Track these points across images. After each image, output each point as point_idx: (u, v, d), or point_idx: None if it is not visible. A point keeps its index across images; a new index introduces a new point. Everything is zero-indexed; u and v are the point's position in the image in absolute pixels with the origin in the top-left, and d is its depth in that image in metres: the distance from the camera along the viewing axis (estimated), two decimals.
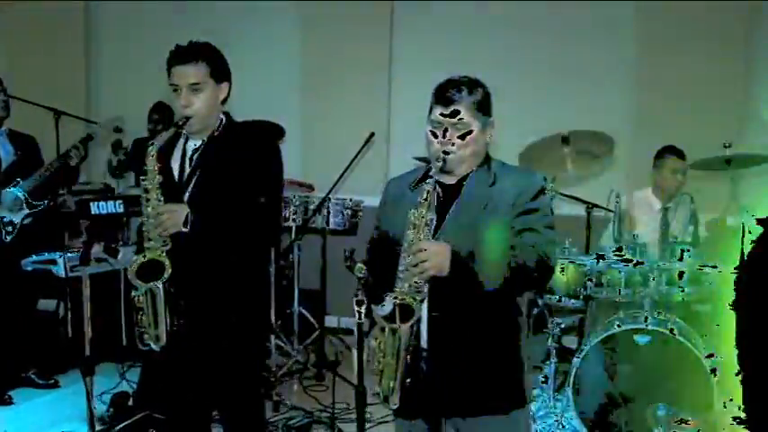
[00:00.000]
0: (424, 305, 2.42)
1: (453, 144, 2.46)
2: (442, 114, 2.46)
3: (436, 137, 2.48)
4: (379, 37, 6.61)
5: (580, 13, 6.13)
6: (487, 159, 2.57)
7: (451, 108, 2.45)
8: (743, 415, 1.62)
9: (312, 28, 6.77)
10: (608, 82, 6.12)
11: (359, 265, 2.36)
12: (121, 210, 4.57)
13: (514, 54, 6.25)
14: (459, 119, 2.45)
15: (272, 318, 5.33)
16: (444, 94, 2.46)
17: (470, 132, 2.47)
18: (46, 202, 4.81)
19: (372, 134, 5.13)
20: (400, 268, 2.40)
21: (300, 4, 6.76)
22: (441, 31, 6.45)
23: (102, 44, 7.39)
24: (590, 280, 4.42)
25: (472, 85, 2.50)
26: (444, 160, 2.44)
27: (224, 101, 3.10)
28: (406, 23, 6.62)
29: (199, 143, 3.06)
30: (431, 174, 2.46)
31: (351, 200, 5.28)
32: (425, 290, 2.41)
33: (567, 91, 6.11)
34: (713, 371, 3.87)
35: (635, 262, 4.20)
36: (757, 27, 5.75)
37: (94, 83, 7.39)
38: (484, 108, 2.50)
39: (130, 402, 4.49)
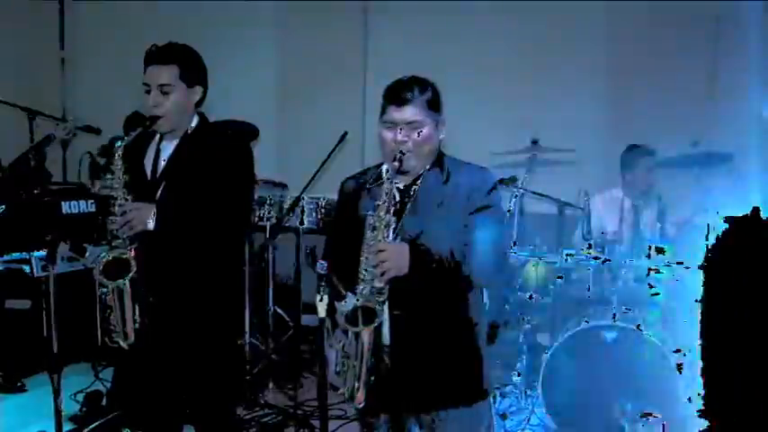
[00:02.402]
0: (385, 306, 2.46)
1: (408, 142, 2.50)
2: (396, 114, 2.51)
3: (391, 137, 2.52)
4: (353, 37, 6.68)
5: (551, 15, 6.18)
6: (440, 157, 2.62)
7: (405, 107, 2.49)
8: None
9: (287, 29, 6.81)
10: (578, 82, 6.17)
11: (320, 262, 2.39)
12: (93, 209, 4.57)
13: (486, 55, 6.30)
14: (414, 117, 2.50)
15: (248, 317, 5.35)
16: (397, 94, 2.51)
17: (423, 130, 2.52)
18: (3, 207, 4.75)
19: (345, 133, 5.14)
20: (361, 269, 2.43)
21: (276, 4, 6.79)
22: (414, 32, 6.50)
23: (77, 44, 7.37)
24: (560, 277, 4.50)
25: (422, 84, 2.54)
26: (401, 160, 2.48)
27: (199, 103, 3.13)
28: (380, 24, 6.66)
29: (172, 143, 3.10)
30: (388, 177, 2.50)
31: (324, 198, 5.31)
32: (386, 291, 2.44)
33: (537, 92, 6.16)
34: (679, 366, 3.93)
35: (603, 259, 4.26)
36: (726, 24, 5.82)
37: (70, 84, 7.37)
38: (435, 106, 2.55)
39: (104, 402, 4.50)
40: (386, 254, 2.39)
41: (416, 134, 2.51)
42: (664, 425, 3.88)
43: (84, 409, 4.45)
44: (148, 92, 3.02)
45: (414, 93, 2.50)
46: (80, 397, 4.55)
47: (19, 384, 5.01)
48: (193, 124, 3.12)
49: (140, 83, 3.06)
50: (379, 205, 2.44)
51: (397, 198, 2.55)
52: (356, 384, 2.48)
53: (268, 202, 5.22)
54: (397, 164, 2.47)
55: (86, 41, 7.35)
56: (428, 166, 2.58)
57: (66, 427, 4.00)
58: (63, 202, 4.58)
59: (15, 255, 4.17)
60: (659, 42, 5.91)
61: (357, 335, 2.42)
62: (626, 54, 6.04)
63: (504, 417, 4.32)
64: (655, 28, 5.94)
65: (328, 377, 2.54)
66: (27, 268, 4.04)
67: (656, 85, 5.89)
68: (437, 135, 2.57)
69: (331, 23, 6.64)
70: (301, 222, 5.20)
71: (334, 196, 5.17)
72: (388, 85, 2.58)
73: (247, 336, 5.29)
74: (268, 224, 5.25)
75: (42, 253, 4.23)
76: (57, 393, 2.74)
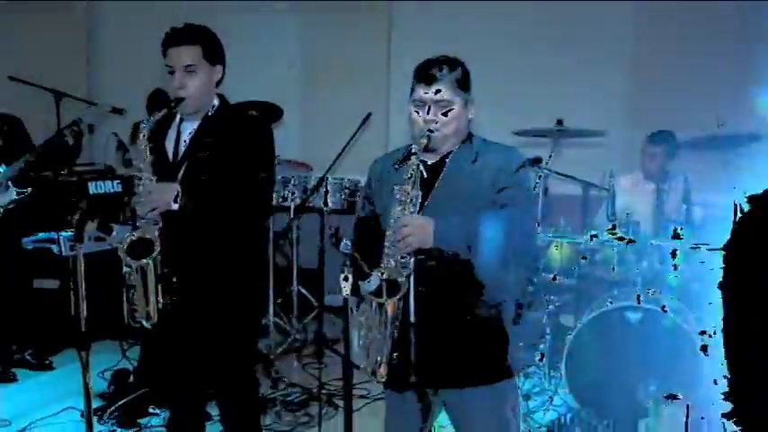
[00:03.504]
0: (411, 280, 2.47)
1: (437, 121, 2.50)
2: (424, 92, 2.50)
3: (420, 115, 2.52)
4: (378, 16, 6.67)
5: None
6: (470, 137, 2.62)
7: (434, 86, 2.49)
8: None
9: (313, 10, 6.80)
10: (604, 62, 6.13)
11: (344, 241, 2.41)
12: (120, 189, 4.63)
13: (512, 35, 6.27)
14: (442, 96, 2.49)
15: (272, 296, 5.39)
16: (426, 73, 2.50)
17: (453, 109, 2.51)
18: (30, 189, 4.83)
19: (370, 114, 5.15)
20: (386, 244, 2.44)
21: None
22: (439, 10, 6.47)
23: (103, 29, 7.41)
24: (584, 258, 4.49)
25: (452, 63, 2.54)
26: (429, 138, 2.48)
27: (218, 83, 3.14)
28: (405, 3, 6.64)
29: (193, 124, 3.11)
30: (415, 152, 2.50)
31: (348, 179, 5.32)
32: (411, 265, 2.45)
33: (562, 73, 6.12)
34: (704, 348, 3.91)
35: (627, 240, 4.24)
36: (756, 11, 5.74)
37: (96, 67, 7.42)
38: (464, 85, 2.55)
39: (131, 379, 4.57)
40: (409, 228, 2.40)
41: (445, 113, 2.51)
42: (688, 407, 3.86)
43: (112, 386, 4.53)
44: (172, 74, 3.03)
45: (443, 72, 2.49)
46: (108, 375, 4.64)
47: (47, 362, 5.11)
48: (214, 105, 3.13)
49: (162, 64, 3.06)
50: (405, 180, 2.44)
51: (425, 175, 2.55)
52: (378, 358, 2.48)
53: (292, 182, 5.25)
54: (424, 140, 2.48)
55: (111, 25, 7.39)
56: (457, 145, 2.58)
57: (95, 403, 4.08)
58: (90, 183, 4.64)
59: (43, 235, 4.23)
60: (687, 23, 5.85)
61: (381, 307, 2.43)
62: (653, 35, 5.98)
63: (527, 397, 4.33)
64: (683, 8, 5.87)
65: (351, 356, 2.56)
66: (55, 248, 4.10)
67: (683, 67, 5.83)
68: (466, 114, 2.57)
69: (357, 4, 6.62)
70: (325, 203, 5.22)
71: (358, 177, 5.29)
72: (417, 63, 2.56)
73: (271, 315, 5.34)
74: (292, 204, 5.28)
75: (70, 233, 4.29)
76: (85, 370, 2.78)
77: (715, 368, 3.88)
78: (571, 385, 4.20)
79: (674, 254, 4.24)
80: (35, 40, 6.88)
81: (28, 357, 5.06)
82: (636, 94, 6.07)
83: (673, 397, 3.74)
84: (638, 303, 4.11)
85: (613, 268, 4.37)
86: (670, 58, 5.92)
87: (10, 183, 4.73)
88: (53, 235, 4.13)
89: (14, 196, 4.74)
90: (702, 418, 3.71)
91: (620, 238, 4.25)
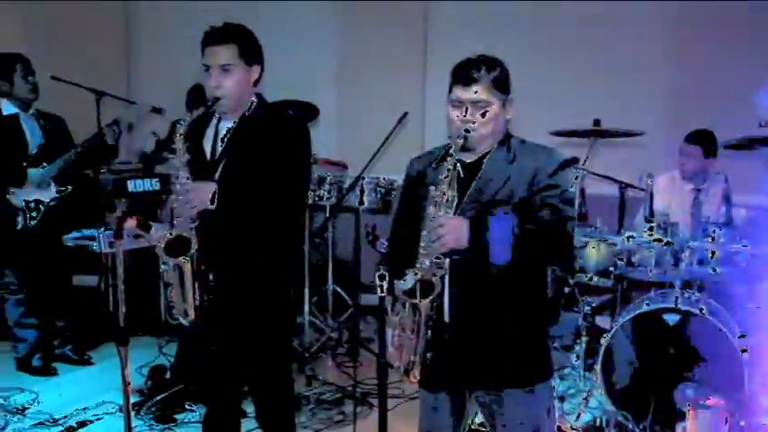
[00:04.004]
0: (446, 280, 2.46)
1: (474, 122, 2.48)
2: (462, 93, 2.49)
3: (457, 116, 2.52)
4: (414, 16, 6.68)
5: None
6: (507, 137, 2.60)
7: (471, 86, 2.47)
8: None
9: (349, 9, 6.82)
10: (642, 62, 6.07)
11: (381, 240, 2.41)
12: (158, 187, 4.69)
13: (548, 36, 6.24)
14: (480, 97, 2.48)
15: (307, 295, 5.42)
16: (464, 73, 2.49)
17: (490, 110, 2.50)
18: (70, 187, 4.93)
19: (406, 113, 5.16)
20: (422, 244, 2.43)
21: None
22: (475, 10, 6.45)
23: (141, 29, 7.49)
24: (621, 259, 4.45)
25: (491, 63, 2.52)
26: (465, 138, 2.46)
27: (256, 82, 3.15)
28: (442, 3, 6.63)
29: (231, 124, 3.13)
30: (451, 152, 2.49)
31: (384, 179, 5.32)
32: (446, 266, 2.45)
33: (601, 75, 6.07)
34: (744, 352, 3.85)
35: (665, 241, 4.19)
36: None
37: (135, 66, 7.51)
38: (503, 86, 2.53)
39: (168, 375, 4.63)
40: (444, 228, 2.38)
41: (482, 113, 2.49)
42: (727, 411, 3.81)
43: (149, 382, 4.59)
44: (208, 73, 3.05)
45: (481, 72, 2.48)
46: (145, 370, 4.70)
47: (87, 357, 5.19)
48: (252, 104, 3.14)
49: (200, 62, 3.09)
50: (441, 180, 2.43)
51: (462, 175, 2.54)
52: (412, 358, 2.49)
53: (328, 181, 5.26)
54: (461, 140, 2.46)
55: (149, 24, 7.46)
56: (495, 145, 2.56)
57: (132, 399, 4.14)
58: (129, 181, 4.71)
59: (84, 232, 4.31)
60: (729, 22, 5.76)
61: (415, 307, 2.43)
62: (693, 34, 5.90)
63: (562, 399, 4.30)
64: (725, 7, 5.78)
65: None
66: (95, 245, 4.16)
67: (724, 66, 5.75)
68: (504, 115, 2.55)
69: (392, 3, 6.63)
70: (361, 202, 5.22)
71: (394, 176, 5.29)
72: (454, 63, 2.55)
73: (307, 314, 5.37)
74: (328, 204, 5.30)
75: (110, 230, 4.36)
76: (124, 366, 2.82)
77: (755, 372, 3.82)
78: (607, 387, 4.16)
79: (712, 255, 4.18)
80: (76, 40, 7.01)
81: (68, 353, 5.15)
82: (675, 93, 6.00)
83: (712, 402, 3.69)
84: (676, 305, 4.05)
85: (650, 270, 4.31)
86: (710, 56, 5.84)
87: (51, 180, 4.82)
88: (93, 232, 4.19)
89: (55, 194, 4.84)
90: (742, 423, 3.66)
91: (658, 240, 4.19)
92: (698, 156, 4.92)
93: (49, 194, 4.82)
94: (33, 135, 4.88)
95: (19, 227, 4.74)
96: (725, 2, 5.78)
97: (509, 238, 2.37)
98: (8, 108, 4.85)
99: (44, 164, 4.79)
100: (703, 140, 4.92)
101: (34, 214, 4.75)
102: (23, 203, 4.73)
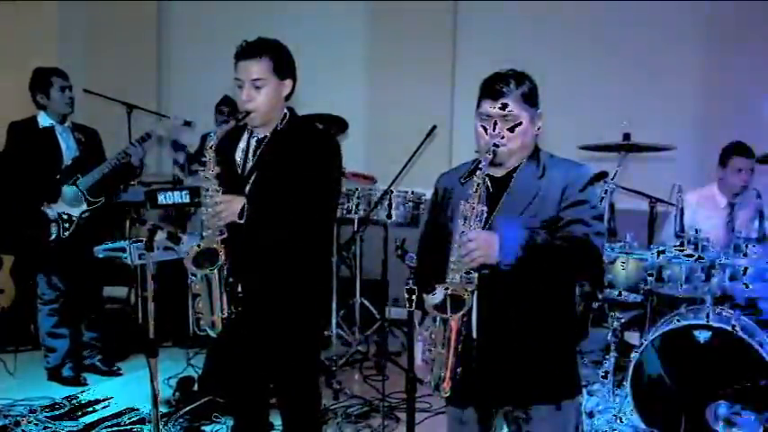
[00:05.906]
0: (475, 296, 2.46)
1: (503, 137, 2.48)
2: (490, 107, 2.49)
3: (486, 130, 2.52)
4: (443, 30, 6.70)
5: (647, 8, 6.04)
6: (536, 151, 2.59)
7: (500, 101, 2.47)
8: None
9: (378, 22, 6.86)
10: (674, 76, 6.04)
11: (410, 254, 2.41)
12: (187, 200, 4.72)
13: (577, 50, 6.22)
14: (509, 111, 2.48)
15: (335, 308, 5.43)
16: (492, 88, 2.49)
17: (519, 124, 2.50)
18: (103, 199, 4.98)
19: (434, 127, 5.18)
20: (451, 259, 2.43)
21: (366, 3, 6.87)
22: (504, 25, 6.46)
23: (173, 42, 7.59)
24: (650, 275, 4.39)
25: (519, 77, 2.52)
26: (494, 153, 2.46)
27: (288, 96, 3.17)
28: (470, 17, 6.64)
29: (262, 137, 3.15)
30: (480, 167, 2.49)
31: (413, 192, 5.33)
32: (476, 281, 2.44)
33: (630, 88, 6.04)
34: None
35: (696, 257, 4.14)
36: None
37: (166, 79, 7.60)
38: (531, 100, 2.52)
39: (195, 387, 4.65)
40: (474, 243, 2.38)
41: (511, 128, 2.49)
42: (760, 429, 3.76)
43: (177, 393, 4.62)
44: (240, 87, 3.07)
45: (509, 86, 2.48)
46: (173, 382, 4.73)
47: (116, 368, 5.23)
48: (283, 119, 3.16)
49: (231, 77, 3.11)
50: (471, 195, 2.43)
51: (491, 189, 2.54)
52: (442, 373, 2.48)
53: (356, 194, 5.28)
54: (490, 156, 2.46)
55: (180, 39, 7.55)
56: (524, 160, 2.56)
57: (160, 410, 4.17)
58: (159, 193, 4.75)
59: (114, 244, 4.35)
60: (759, 35, 5.72)
61: (445, 323, 2.43)
62: (724, 48, 5.86)
63: (591, 415, 4.26)
64: (755, 21, 5.74)
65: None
66: (125, 256, 4.21)
67: (754, 79, 5.69)
68: (533, 129, 2.55)
69: (420, 18, 6.66)
70: (389, 216, 5.23)
71: (423, 190, 5.30)
72: (484, 77, 2.55)
73: (334, 327, 5.37)
74: (356, 217, 5.31)
75: (140, 243, 4.42)
76: (154, 377, 2.84)
77: None
78: (637, 404, 4.11)
79: (744, 271, 4.13)
80: (108, 54, 7.11)
81: (98, 363, 5.19)
82: (705, 107, 5.95)
83: (745, 420, 3.65)
84: (707, 322, 4.00)
85: (681, 285, 4.27)
86: (740, 71, 5.80)
87: (83, 197, 4.89)
88: (124, 244, 4.24)
89: (87, 206, 4.90)
90: None
91: (689, 255, 4.15)
92: (749, 169, 4.86)
93: (79, 209, 4.88)
94: (68, 148, 4.94)
95: (53, 237, 4.81)
96: (758, 14, 5.73)
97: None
98: (45, 120, 4.92)
99: (78, 175, 4.85)
100: (752, 154, 4.87)
101: (67, 225, 4.82)
102: (57, 215, 4.80)
